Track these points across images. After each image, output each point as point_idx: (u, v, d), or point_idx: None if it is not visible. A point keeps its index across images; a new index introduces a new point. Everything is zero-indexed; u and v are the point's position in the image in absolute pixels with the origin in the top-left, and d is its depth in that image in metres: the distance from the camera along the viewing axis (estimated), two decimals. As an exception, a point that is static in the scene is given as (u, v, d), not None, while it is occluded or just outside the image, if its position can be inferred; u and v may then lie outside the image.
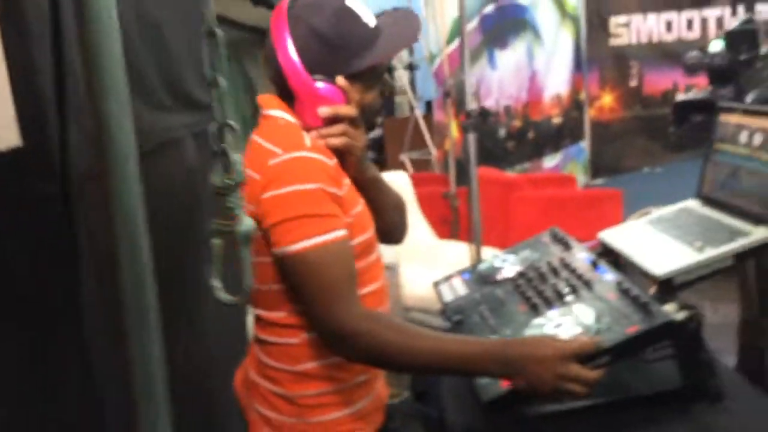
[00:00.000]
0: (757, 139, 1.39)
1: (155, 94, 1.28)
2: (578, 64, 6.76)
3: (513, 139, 5.90)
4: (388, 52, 1.23)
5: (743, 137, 1.43)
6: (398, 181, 3.91)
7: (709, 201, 1.51)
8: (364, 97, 1.22)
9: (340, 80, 1.18)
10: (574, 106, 6.77)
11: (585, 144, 6.98)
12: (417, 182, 4.14)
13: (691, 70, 1.99)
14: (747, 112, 1.45)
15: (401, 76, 6.24)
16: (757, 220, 1.34)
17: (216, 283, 0.77)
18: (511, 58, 5.81)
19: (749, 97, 1.97)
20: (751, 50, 1.90)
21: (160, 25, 1.19)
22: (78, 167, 0.82)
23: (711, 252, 1.31)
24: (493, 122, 5.60)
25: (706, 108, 1.87)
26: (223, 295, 0.77)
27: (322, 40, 1.15)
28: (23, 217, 0.80)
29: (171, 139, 1.22)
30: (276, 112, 1.22)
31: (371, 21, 1.21)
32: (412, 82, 6.88)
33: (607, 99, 7.02)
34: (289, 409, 1.21)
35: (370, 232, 1.24)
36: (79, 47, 0.56)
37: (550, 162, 6.38)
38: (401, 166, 5.28)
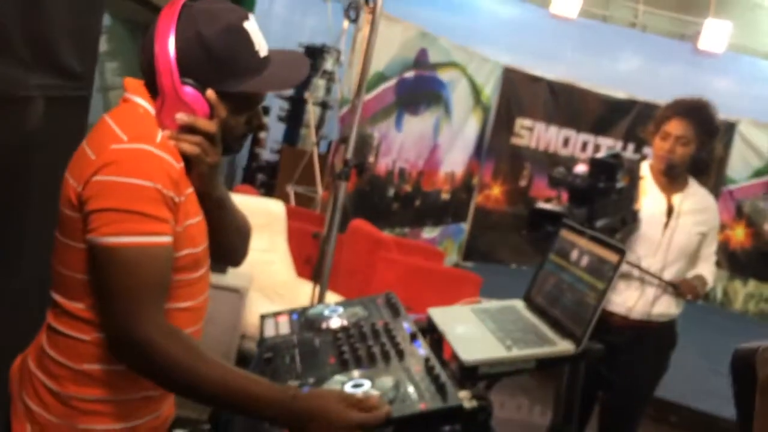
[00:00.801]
0: (584, 260, 1.50)
1: (12, 45, 1.22)
2: (478, 151, 7.09)
3: (399, 201, 6.05)
4: (265, 86, 1.20)
5: (574, 255, 1.54)
6: (274, 209, 3.89)
7: (531, 304, 1.60)
8: (230, 118, 1.19)
9: (210, 93, 1.14)
10: (465, 188, 7.06)
11: (465, 226, 7.26)
12: (294, 216, 4.13)
13: (554, 183, 2.13)
14: (582, 234, 1.56)
15: (311, 111, 6.29)
16: (565, 333, 1.43)
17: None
18: (418, 125, 6.00)
19: (599, 223, 2.13)
20: (609, 181, 2.06)
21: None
22: None
23: (516, 352, 1.38)
24: (384, 179, 5.72)
25: (559, 220, 2.00)
26: None
27: (204, 48, 1.12)
28: None
29: (15, 94, 1.15)
30: (138, 99, 1.17)
31: (263, 51, 1.19)
32: (322, 120, 6.95)
33: (496, 190, 7.38)
34: (59, 409, 1.14)
35: (200, 248, 1.20)
36: None
37: (429, 233, 6.57)
38: (285, 196, 5.27)
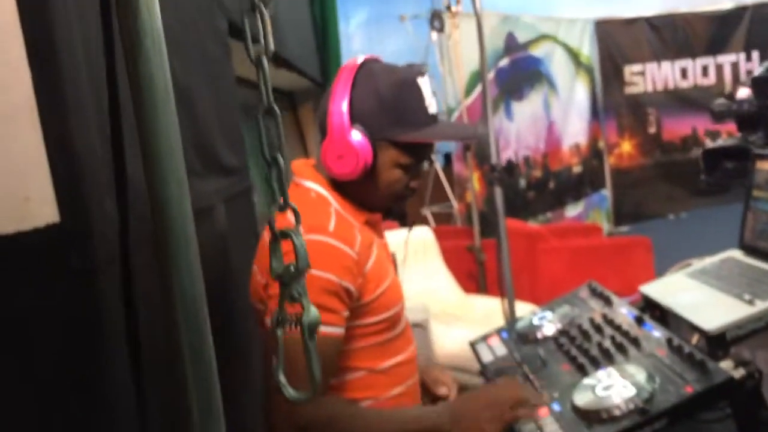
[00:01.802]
0: (801, 185, 1.35)
1: (188, 161, 1.29)
2: (595, 113, 6.79)
3: (533, 189, 5.88)
4: (434, 136, 1.20)
5: (785, 184, 1.40)
6: (423, 236, 3.89)
7: (752, 251, 1.47)
8: (393, 170, 1.18)
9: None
10: (594, 154, 6.77)
11: (607, 192, 6.94)
12: (440, 236, 4.12)
13: (719, 117, 1.96)
14: (787, 158, 1.41)
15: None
16: (809, 269, 1.29)
17: (282, 379, 0.73)
18: (527, 109, 5.84)
19: (782, 143, 1.93)
20: (780, 96, 1.87)
21: (189, 89, 1.19)
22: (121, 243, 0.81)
23: (763, 304, 1.25)
24: (516, 174, 5.60)
25: (738, 155, 1.84)
26: (290, 392, 0.73)
27: (377, 97, 1.14)
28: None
29: (204, 206, 1.21)
30: (309, 183, 1.20)
31: (432, 108, 1.20)
32: (431, 137, 6.95)
33: (626, 146, 7.01)
34: None
35: (397, 308, 1.21)
36: (138, 137, 0.55)
37: (572, 211, 6.34)
38: (423, 220, 5.27)
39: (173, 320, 0.55)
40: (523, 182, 5.78)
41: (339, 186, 1.21)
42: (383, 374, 1.19)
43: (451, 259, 4.01)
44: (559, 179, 6.21)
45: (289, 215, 0.75)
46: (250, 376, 1.44)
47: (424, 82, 1.18)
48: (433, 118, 1.19)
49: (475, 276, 4.05)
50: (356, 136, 1.13)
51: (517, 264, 4.03)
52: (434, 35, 4.65)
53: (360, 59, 1.20)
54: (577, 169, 6.50)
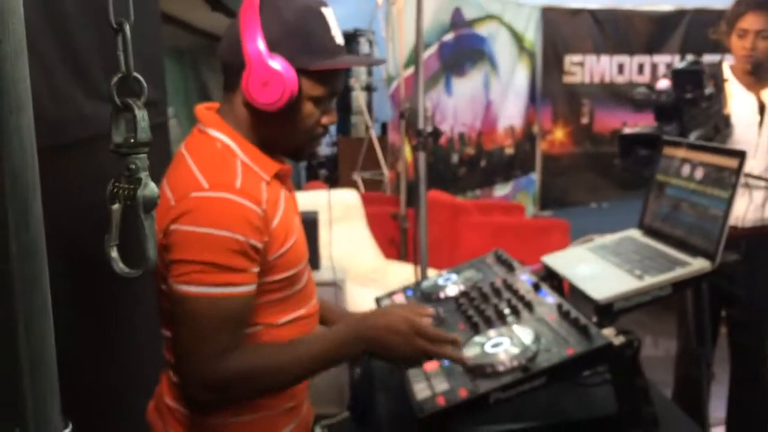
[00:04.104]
0: (699, 173, 1.42)
1: (96, 83, 1.24)
2: (533, 98, 6.91)
3: (465, 165, 5.97)
4: (345, 62, 1.18)
5: (685, 171, 1.46)
6: (349, 199, 3.90)
7: (650, 231, 1.54)
8: (307, 105, 1.16)
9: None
10: (527, 138, 6.90)
11: (535, 176, 7.11)
12: (368, 202, 4.13)
13: (639, 105, 2.03)
14: (690, 146, 1.48)
15: (358, 97, 6.27)
16: (696, 251, 1.36)
17: (113, 254, 0.71)
18: (467, 86, 5.89)
19: (693, 136, 2.03)
20: (695, 90, 1.96)
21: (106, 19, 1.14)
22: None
23: (650, 280, 1.32)
24: (445, 147, 5.66)
25: (651, 142, 1.92)
26: (121, 266, 0.71)
27: (284, 25, 1.11)
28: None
29: (98, 133, 1.16)
30: (214, 131, 1.15)
31: (338, 38, 1.17)
32: (370, 104, 6.93)
33: (559, 134, 7.18)
34: None
35: (300, 266, 1.21)
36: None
37: (500, 191, 6.47)
38: (354, 184, 5.28)
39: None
40: (455, 158, 5.85)
41: (249, 131, 1.17)
42: (282, 328, 1.19)
43: (376, 224, 4.04)
44: (491, 159, 6.32)
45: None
46: (150, 324, 1.41)
47: (328, 12, 1.16)
48: (341, 49, 1.17)
49: (397, 243, 4.10)
50: (278, 62, 1.10)
51: (440, 235, 4.09)
52: (379, 0, 4.60)
53: None
54: (509, 150, 6.62)
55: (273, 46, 1.11)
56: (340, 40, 1.18)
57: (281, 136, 1.18)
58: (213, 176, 1.08)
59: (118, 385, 1.42)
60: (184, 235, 1.05)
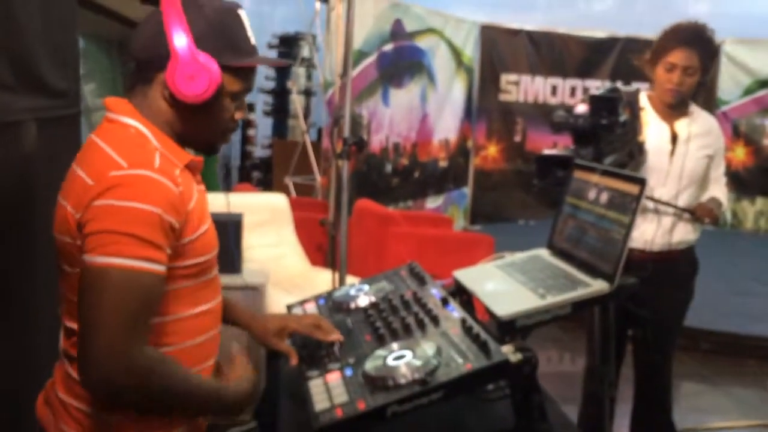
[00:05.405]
0: (604, 197, 1.48)
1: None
2: (468, 114, 7.04)
3: (399, 176, 6.01)
4: (264, 61, 1.24)
5: (592, 195, 1.52)
6: (277, 203, 3.86)
7: (557, 251, 1.59)
8: (224, 99, 1.19)
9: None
10: (461, 152, 7.02)
11: (468, 190, 7.23)
12: (297, 206, 4.11)
13: (556, 128, 2.09)
14: (597, 171, 1.54)
15: (296, 101, 6.24)
16: (596, 273, 1.41)
17: None
18: (404, 97, 5.95)
19: (608, 160, 2.10)
20: (612, 116, 2.03)
21: (10, 1, 1.10)
22: None
23: (551, 299, 1.36)
24: (380, 156, 5.69)
25: (567, 164, 1.97)
26: None
27: (207, 22, 1.14)
28: None
29: (7, 121, 1.12)
30: (127, 119, 1.15)
31: (253, 40, 1.22)
32: (308, 108, 6.91)
33: (492, 150, 7.34)
34: (99, 429, 1.14)
35: (211, 254, 1.22)
36: None
37: (432, 203, 6.55)
38: (286, 189, 5.24)
39: None
40: (389, 168, 5.89)
41: (165, 124, 1.17)
42: (187, 321, 1.18)
43: (305, 230, 4.02)
44: (424, 170, 6.39)
45: None
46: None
47: (243, 14, 1.21)
48: (255, 49, 1.23)
49: (324, 250, 4.09)
50: (204, 57, 1.13)
51: (368, 244, 4.11)
52: (318, 5, 4.60)
53: None
54: (443, 163, 6.71)
55: (198, 42, 1.13)
56: (254, 40, 1.23)
57: (198, 129, 1.20)
58: (130, 156, 1.08)
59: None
60: (105, 208, 1.03)
